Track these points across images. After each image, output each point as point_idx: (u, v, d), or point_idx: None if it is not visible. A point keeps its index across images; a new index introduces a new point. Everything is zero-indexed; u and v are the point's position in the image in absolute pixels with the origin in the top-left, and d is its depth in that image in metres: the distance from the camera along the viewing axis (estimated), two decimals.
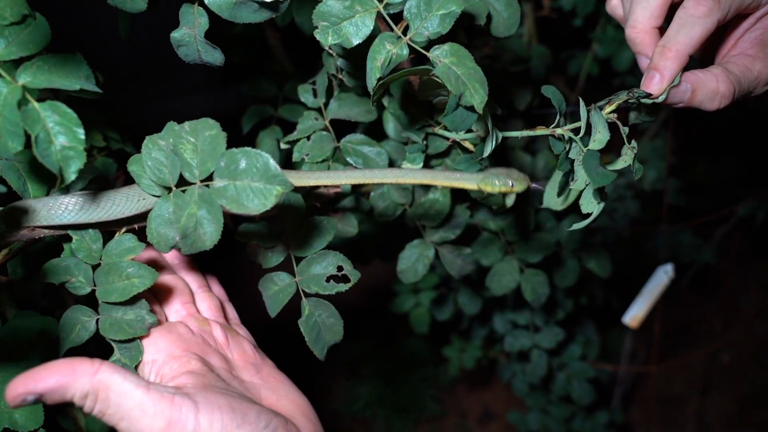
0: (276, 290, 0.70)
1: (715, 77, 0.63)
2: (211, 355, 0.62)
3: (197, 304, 0.69)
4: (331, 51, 0.76)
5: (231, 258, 0.90)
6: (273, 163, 0.52)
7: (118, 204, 0.58)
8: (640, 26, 0.65)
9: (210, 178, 0.54)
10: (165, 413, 0.49)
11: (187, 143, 0.55)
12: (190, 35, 0.62)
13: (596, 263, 1.21)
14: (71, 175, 0.51)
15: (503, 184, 0.62)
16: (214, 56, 0.64)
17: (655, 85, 0.63)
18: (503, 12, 0.75)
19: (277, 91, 1.08)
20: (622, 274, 1.58)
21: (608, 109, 0.65)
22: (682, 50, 0.61)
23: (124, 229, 0.62)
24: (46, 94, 0.52)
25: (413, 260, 0.87)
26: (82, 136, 0.51)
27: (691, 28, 0.61)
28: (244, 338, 0.68)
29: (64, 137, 0.50)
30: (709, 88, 0.63)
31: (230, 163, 0.53)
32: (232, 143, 0.55)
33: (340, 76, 0.79)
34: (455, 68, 0.60)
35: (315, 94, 0.86)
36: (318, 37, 0.61)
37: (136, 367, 0.58)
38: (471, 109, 0.61)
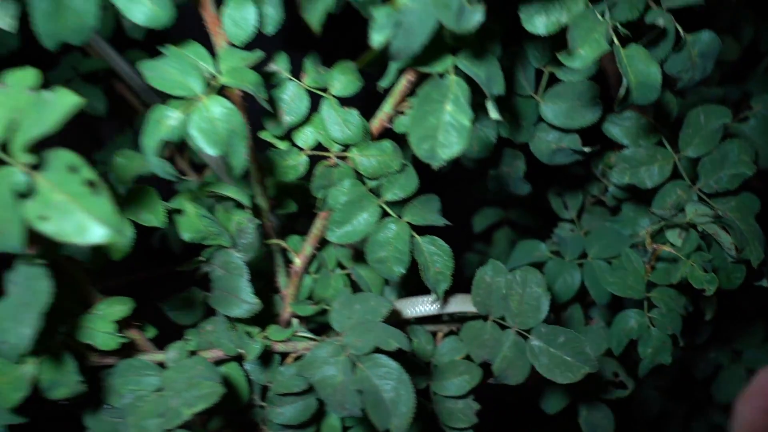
0: (555, 391, 0.79)
1: None
2: None
3: None
4: (600, 177, 0.86)
5: None
6: (588, 348, 0.62)
7: (449, 307, 0.71)
8: None
9: (527, 330, 0.64)
10: None
11: (515, 294, 0.65)
12: (507, 173, 0.75)
13: None
14: (441, 294, 0.64)
15: None
16: (523, 188, 0.76)
17: None
18: None
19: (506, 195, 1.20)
20: None
21: None
22: None
23: (446, 330, 0.74)
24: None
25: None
26: (452, 264, 0.64)
27: None
28: None
29: (438, 264, 0.64)
30: None
31: (551, 333, 0.63)
32: None
33: (602, 198, 0.89)
34: (739, 223, 0.68)
35: (565, 206, 0.96)
36: (615, 176, 0.71)
37: None
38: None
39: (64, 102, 0.42)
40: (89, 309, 0.56)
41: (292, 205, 0.74)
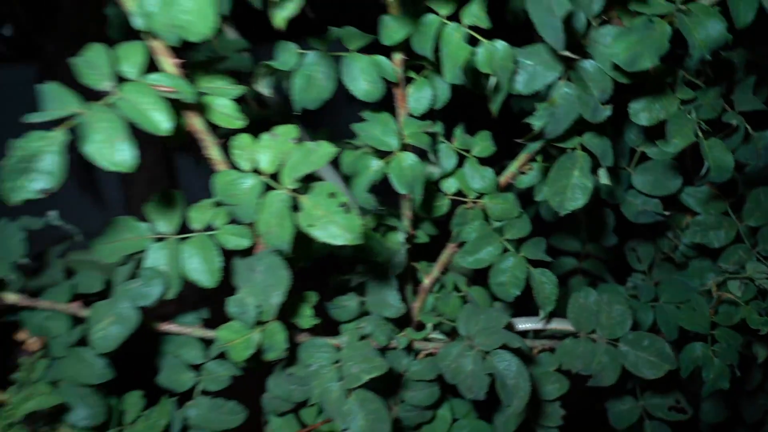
0: (624, 409, 0.95)
1: None
2: None
3: None
4: (671, 237, 1.04)
5: None
6: (668, 348, 0.79)
7: (551, 325, 0.89)
8: None
9: (616, 339, 0.82)
10: None
11: (604, 311, 0.83)
12: (600, 227, 0.94)
13: None
14: (547, 313, 0.83)
15: None
16: (611, 240, 0.95)
17: None
18: None
19: (581, 247, 1.38)
20: None
21: None
22: None
23: (539, 348, 0.92)
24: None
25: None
26: (557, 291, 0.82)
27: None
28: None
29: (547, 290, 0.82)
30: None
31: (637, 338, 0.80)
32: None
33: (671, 254, 1.06)
34: None
35: (638, 259, 1.14)
36: (687, 236, 0.89)
37: None
38: None
39: (325, 150, 0.63)
40: (295, 295, 0.77)
41: (423, 236, 0.94)
